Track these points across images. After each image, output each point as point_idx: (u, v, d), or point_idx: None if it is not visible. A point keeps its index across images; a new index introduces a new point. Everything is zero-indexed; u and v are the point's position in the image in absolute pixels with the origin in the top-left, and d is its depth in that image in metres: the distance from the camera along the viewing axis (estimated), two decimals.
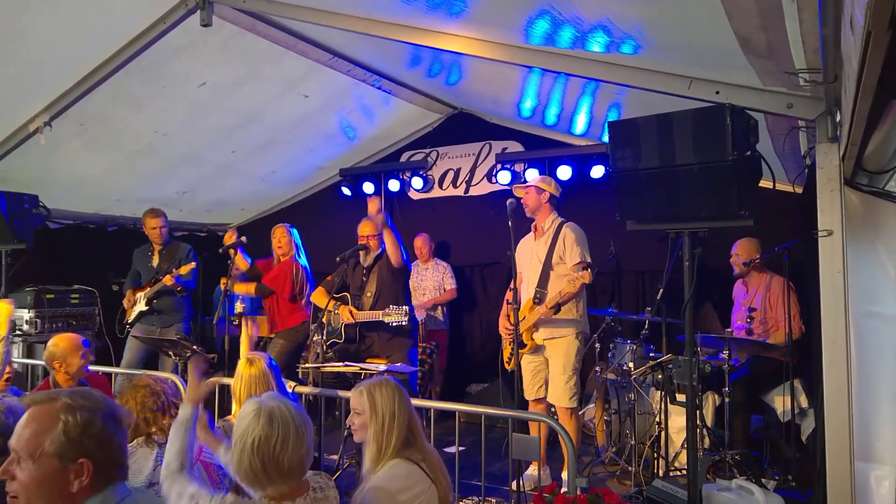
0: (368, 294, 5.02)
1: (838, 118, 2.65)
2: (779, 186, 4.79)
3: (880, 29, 1.25)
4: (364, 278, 5.14)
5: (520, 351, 4.54)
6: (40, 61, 4.46)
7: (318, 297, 5.26)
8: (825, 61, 2.26)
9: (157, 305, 5.78)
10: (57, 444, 1.58)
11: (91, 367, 4.75)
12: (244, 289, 5.61)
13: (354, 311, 4.94)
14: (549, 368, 4.60)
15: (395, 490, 2.40)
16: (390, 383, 2.61)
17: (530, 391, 4.64)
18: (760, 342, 4.66)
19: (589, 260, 4.50)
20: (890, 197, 2.73)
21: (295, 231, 5.79)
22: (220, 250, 5.60)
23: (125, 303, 5.91)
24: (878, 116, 1.83)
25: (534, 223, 4.79)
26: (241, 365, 3.31)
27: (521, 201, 4.69)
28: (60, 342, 3.84)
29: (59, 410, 1.61)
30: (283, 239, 5.70)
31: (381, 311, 4.73)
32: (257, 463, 2.01)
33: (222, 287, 5.56)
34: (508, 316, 4.73)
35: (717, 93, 2.97)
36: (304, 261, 5.73)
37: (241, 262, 5.65)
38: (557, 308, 4.36)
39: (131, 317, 5.83)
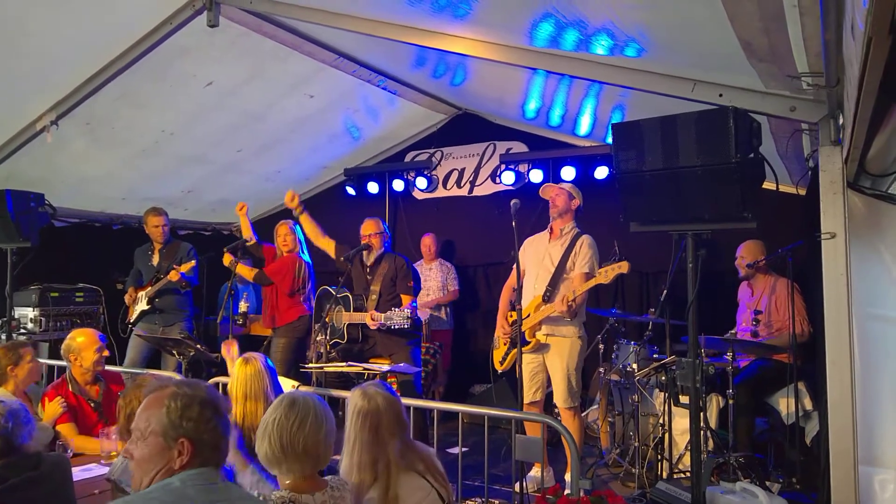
0: (373, 297, 5.02)
1: (841, 121, 2.65)
2: (782, 188, 4.81)
3: (881, 35, 1.25)
4: (368, 277, 5.14)
5: (523, 349, 4.52)
6: (47, 60, 4.50)
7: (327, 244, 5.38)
8: (827, 65, 2.26)
9: (159, 304, 5.80)
10: (161, 425, 1.83)
11: None
12: (245, 272, 5.64)
13: (375, 314, 4.90)
14: (549, 370, 4.59)
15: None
16: (374, 399, 2.53)
17: (528, 394, 4.61)
18: (764, 344, 4.65)
19: (595, 274, 4.47)
20: (893, 200, 2.72)
21: (299, 228, 5.81)
22: (225, 250, 5.62)
23: (127, 300, 5.94)
24: (880, 120, 1.83)
25: (551, 224, 4.78)
26: (238, 365, 3.33)
27: (554, 201, 4.68)
28: (77, 336, 3.97)
29: (165, 396, 1.87)
30: (287, 237, 5.74)
31: (383, 315, 4.72)
32: (275, 440, 2.12)
33: (226, 263, 5.56)
34: (507, 317, 4.72)
35: (721, 95, 2.97)
36: (307, 257, 5.75)
37: (246, 228, 5.69)
38: (573, 310, 4.34)
39: (133, 316, 5.86)
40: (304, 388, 4.10)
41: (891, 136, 1.96)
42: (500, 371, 4.75)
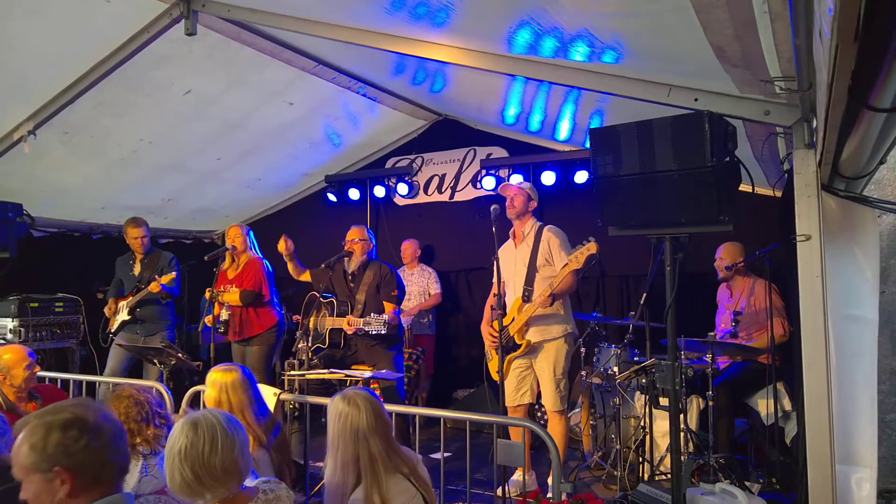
0: (359, 305, 5.01)
1: (814, 124, 2.69)
2: (760, 191, 4.87)
3: (847, 41, 1.28)
4: (350, 285, 5.13)
5: (513, 354, 4.55)
6: (24, 69, 4.46)
7: (305, 276, 5.36)
8: (799, 70, 2.30)
9: (140, 314, 5.76)
10: (29, 459, 1.72)
11: (77, 376, 4.74)
12: (230, 297, 5.56)
13: (353, 319, 4.89)
14: (536, 373, 4.60)
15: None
16: (354, 400, 2.55)
17: (513, 397, 4.64)
18: (743, 345, 4.70)
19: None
20: (866, 202, 2.77)
21: (251, 232, 5.79)
22: (206, 258, 5.59)
23: (107, 311, 5.89)
24: (850, 125, 1.86)
25: (512, 229, 4.79)
26: (216, 374, 3.30)
27: (512, 201, 4.68)
28: (3, 354, 3.79)
29: (28, 428, 1.76)
30: (237, 238, 5.65)
31: (361, 320, 4.73)
32: (187, 471, 1.98)
33: (207, 296, 5.52)
34: (492, 324, 4.72)
35: (696, 100, 3.00)
36: (266, 263, 5.71)
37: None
38: (553, 298, 4.36)
39: (114, 326, 5.80)
40: (286, 396, 4.08)
41: (862, 139, 1.99)
42: (497, 380, 4.75)
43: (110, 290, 6.04)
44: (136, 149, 5.82)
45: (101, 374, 5.62)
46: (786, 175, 3.90)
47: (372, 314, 4.71)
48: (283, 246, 5.22)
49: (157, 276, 5.60)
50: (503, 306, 4.44)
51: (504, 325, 4.55)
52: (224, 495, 2.02)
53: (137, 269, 5.88)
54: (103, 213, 6.94)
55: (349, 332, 4.86)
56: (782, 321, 4.66)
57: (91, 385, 4.90)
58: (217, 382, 3.27)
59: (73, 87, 4.70)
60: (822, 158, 2.47)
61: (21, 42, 4.14)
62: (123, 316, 5.75)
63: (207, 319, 5.53)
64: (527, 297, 4.53)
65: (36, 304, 5.96)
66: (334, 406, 2.57)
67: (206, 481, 1.98)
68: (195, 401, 4.23)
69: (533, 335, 4.53)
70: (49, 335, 5.99)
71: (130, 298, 5.75)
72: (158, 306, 5.82)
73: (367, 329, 4.67)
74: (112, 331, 5.82)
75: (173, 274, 5.63)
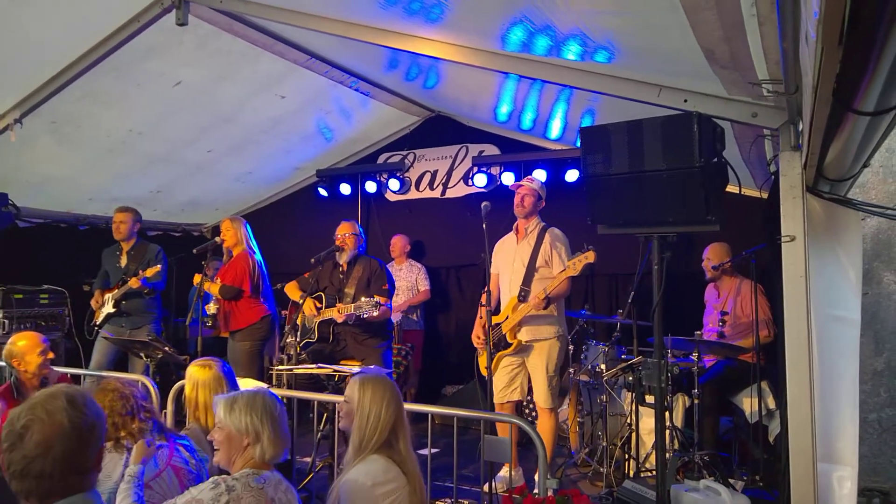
0: (347, 300, 5.01)
1: (800, 127, 2.71)
2: (748, 192, 4.92)
3: (831, 44, 1.29)
4: (341, 277, 5.13)
5: (503, 352, 4.57)
6: (12, 57, 4.42)
7: (292, 291, 5.28)
8: (786, 73, 2.32)
9: (126, 307, 5.67)
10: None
11: (59, 369, 4.71)
12: (214, 290, 5.50)
13: (342, 306, 4.86)
14: (529, 370, 4.63)
15: (370, 483, 2.44)
16: (384, 381, 2.66)
17: (502, 394, 4.66)
18: (729, 344, 4.74)
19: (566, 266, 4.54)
20: (850, 204, 2.80)
21: (248, 226, 5.65)
22: (195, 251, 5.55)
23: (93, 304, 5.81)
24: (835, 127, 1.88)
25: (516, 224, 4.81)
26: (192, 369, 3.30)
27: (522, 200, 4.70)
28: (18, 340, 3.84)
29: None
30: (227, 232, 5.52)
31: (352, 305, 4.72)
32: (265, 415, 2.35)
33: (195, 283, 5.46)
34: (484, 325, 4.74)
35: (686, 101, 3.02)
36: (258, 256, 5.60)
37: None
38: (548, 302, 4.40)
39: (99, 318, 5.73)
40: (274, 391, 4.08)
41: (846, 142, 2.01)
42: (487, 377, 4.76)
43: (96, 282, 5.95)
44: (124, 139, 5.78)
45: (86, 368, 5.57)
46: (772, 177, 3.93)
47: (362, 298, 4.69)
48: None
49: (141, 270, 5.52)
50: (491, 302, 4.45)
51: (497, 322, 4.59)
52: (268, 455, 2.31)
53: (124, 262, 5.79)
54: (90, 205, 6.89)
55: (339, 321, 4.83)
56: (767, 321, 4.70)
57: (76, 378, 4.86)
58: (191, 378, 3.26)
59: (62, 76, 4.65)
60: (808, 161, 2.50)
61: (9, 30, 4.09)
62: (109, 308, 5.66)
63: (208, 307, 5.50)
64: (523, 297, 4.55)
65: (20, 296, 5.90)
66: (379, 384, 2.65)
67: (267, 426, 2.31)
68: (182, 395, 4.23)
69: (525, 335, 4.56)
70: (33, 327, 5.89)
71: (116, 291, 5.67)
72: (144, 299, 5.71)
73: (358, 313, 4.65)
74: (97, 323, 5.74)
75: (158, 267, 5.53)
